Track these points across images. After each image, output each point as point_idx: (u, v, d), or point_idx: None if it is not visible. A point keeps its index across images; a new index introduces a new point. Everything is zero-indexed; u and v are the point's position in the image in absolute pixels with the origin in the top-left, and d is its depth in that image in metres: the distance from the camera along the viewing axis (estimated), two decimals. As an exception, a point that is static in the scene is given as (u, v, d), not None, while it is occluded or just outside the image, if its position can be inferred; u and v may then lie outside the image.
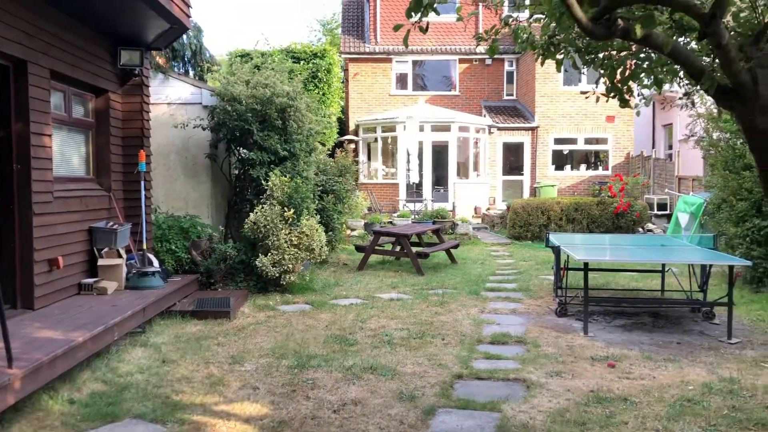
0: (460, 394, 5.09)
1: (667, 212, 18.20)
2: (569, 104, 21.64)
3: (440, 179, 20.84)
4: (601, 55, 4.46)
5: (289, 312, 8.17)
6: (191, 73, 11.27)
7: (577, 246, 8.50)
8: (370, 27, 23.87)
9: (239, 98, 9.19)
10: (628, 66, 4.34)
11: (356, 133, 22.53)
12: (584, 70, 5.37)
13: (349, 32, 24.68)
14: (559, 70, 4.78)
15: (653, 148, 26.29)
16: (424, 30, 3.56)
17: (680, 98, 7.04)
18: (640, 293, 9.39)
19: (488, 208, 20.76)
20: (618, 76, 4.42)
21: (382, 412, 4.71)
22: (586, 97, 4.61)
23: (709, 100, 10.85)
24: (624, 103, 4.57)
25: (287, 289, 9.16)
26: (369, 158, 22.35)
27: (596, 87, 5.00)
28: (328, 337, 6.90)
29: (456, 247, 12.62)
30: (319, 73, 18.80)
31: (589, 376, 5.56)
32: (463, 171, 21.18)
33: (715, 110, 10.92)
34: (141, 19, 7.25)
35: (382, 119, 21.66)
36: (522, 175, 22.07)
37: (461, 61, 23.62)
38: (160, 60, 10.34)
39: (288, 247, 8.90)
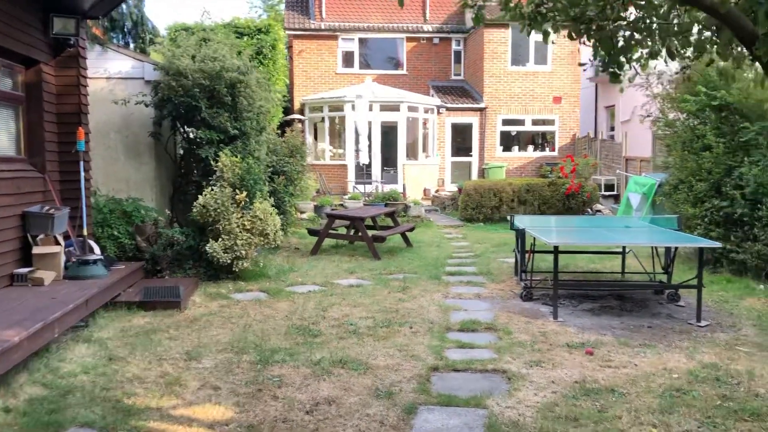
0: (439, 389, 4.77)
1: (614, 193, 18.38)
2: (517, 85, 21.57)
3: (389, 160, 20.48)
4: (593, 26, 4.14)
5: (244, 301, 7.69)
6: (132, 45, 10.51)
7: (542, 228, 8.28)
8: (315, 3, 23.17)
9: (185, 72, 8.56)
10: (621, 37, 4.05)
11: (302, 112, 21.90)
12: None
13: (293, 8, 23.90)
14: (546, 42, 4.46)
15: (596, 129, 26.61)
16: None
17: (677, 72, 6.83)
18: (602, 275, 9.28)
19: (437, 190, 20.56)
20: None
21: (359, 411, 4.34)
22: (584, 70, 4.29)
23: (666, 79, 10.81)
24: (615, 78, 4.29)
25: (240, 276, 8.66)
26: (315, 138, 21.78)
27: (591, 61, 4.67)
28: (290, 327, 6.47)
29: (411, 230, 12.31)
30: (264, 50, 18.05)
31: (570, 365, 5.33)
32: (412, 152, 20.89)
33: (672, 90, 10.89)
34: (77, -18, 6.58)
35: (330, 98, 21.10)
36: (470, 156, 21.93)
37: (408, 39, 23.22)
38: (97, 31, 9.57)
39: (240, 231, 8.39)
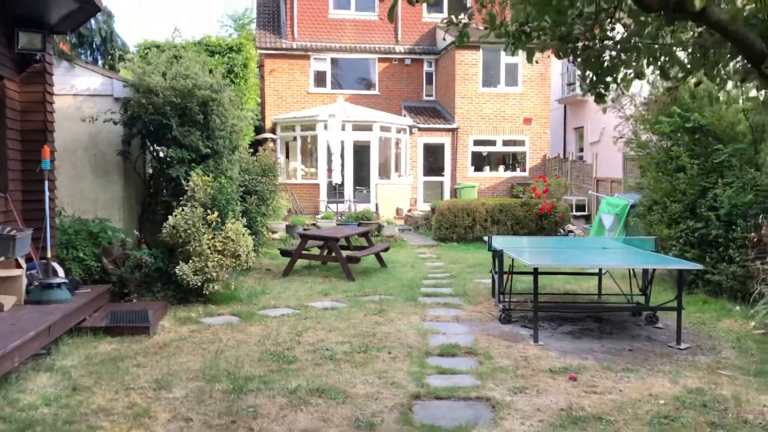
0: (422, 419, 4.59)
1: (585, 213, 18.50)
2: (488, 106, 21.69)
3: (361, 180, 20.35)
4: (580, 45, 4.06)
5: (215, 325, 7.43)
6: (100, 62, 10.23)
7: (520, 249, 8.21)
8: (287, 23, 23.09)
9: (156, 90, 8.34)
10: (608, 57, 3.98)
11: (273, 131, 21.69)
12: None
13: (264, 27, 23.79)
14: (530, 61, 4.37)
15: (564, 150, 26.90)
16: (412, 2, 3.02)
17: (649, 95, 6.81)
18: (579, 297, 9.23)
19: (410, 209, 20.47)
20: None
21: (340, 444, 4.15)
22: (572, 90, 4.20)
23: (640, 101, 10.89)
24: (600, 99, 4.22)
25: (210, 300, 8.40)
26: (287, 157, 21.57)
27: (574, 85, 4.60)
28: (264, 353, 6.24)
29: (386, 250, 12.16)
30: (235, 68, 17.85)
31: (554, 391, 5.20)
32: (384, 171, 20.80)
33: (644, 112, 10.97)
34: (44, -5, 6.35)
35: (302, 117, 20.95)
36: (442, 176, 21.92)
37: (381, 60, 23.23)
38: (64, 46, 9.31)
39: (212, 253, 8.16)
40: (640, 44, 3.78)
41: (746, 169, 8.56)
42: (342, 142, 18.98)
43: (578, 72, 4.37)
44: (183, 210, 8.16)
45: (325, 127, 19.41)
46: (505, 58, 21.62)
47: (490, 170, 22.15)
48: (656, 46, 3.71)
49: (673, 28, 3.73)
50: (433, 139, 21.74)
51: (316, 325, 7.47)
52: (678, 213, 9.33)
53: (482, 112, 21.65)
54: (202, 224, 8.15)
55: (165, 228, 8.13)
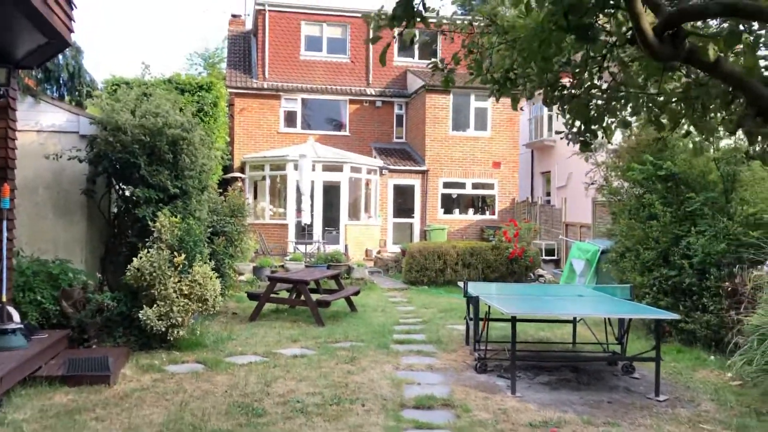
0: (401, 480, 4.35)
1: (555, 257, 18.54)
2: (458, 149, 21.82)
3: (331, 220, 20.17)
4: (566, 93, 3.99)
5: (180, 374, 7.09)
6: (67, 98, 9.95)
7: (495, 296, 8.07)
8: (258, 62, 23.08)
9: (125, 128, 8.10)
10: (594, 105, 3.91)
11: (242, 170, 21.46)
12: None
13: (235, 66, 23.75)
14: (515, 108, 4.29)
15: (532, 194, 27.15)
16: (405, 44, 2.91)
17: (622, 143, 6.80)
18: (553, 345, 9.09)
19: (379, 251, 20.28)
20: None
21: None
22: (561, 138, 4.14)
23: (611, 148, 10.97)
24: (585, 147, 4.14)
25: (175, 346, 8.05)
26: (255, 197, 21.31)
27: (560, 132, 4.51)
28: (231, 405, 5.94)
29: (357, 293, 11.92)
30: (205, 107, 17.66)
31: (537, 448, 5.00)
32: (354, 212, 20.65)
33: (616, 159, 11.04)
34: (11, 29, 6.12)
35: (272, 157, 20.78)
36: (412, 217, 21.86)
37: (351, 101, 23.31)
38: (29, 82, 9.03)
39: (177, 297, 7.84)
40: (628, 93, 3.72)
41: (719, 218, 8.61)
42: (312, 182, 18.82)
43: (562, 119, 4.29)
44: (149, 252, 7.86)
45: (295, 167, 19.26)
46: (474, 102, 21.87)
47: (460, 213, 22.16)
48: (644, 95, 3.65)
49: (658, 78, 3.68)
50: (403, 180, 21.73)
51: (285, 374, 7.18)
52: (651, 260, 9.32)
53: (452, 155, 21.76)
54: (169, 267, 7.85)
55: (129, 270, 7.81)
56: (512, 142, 22.42)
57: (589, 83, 3.76)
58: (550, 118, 25.90)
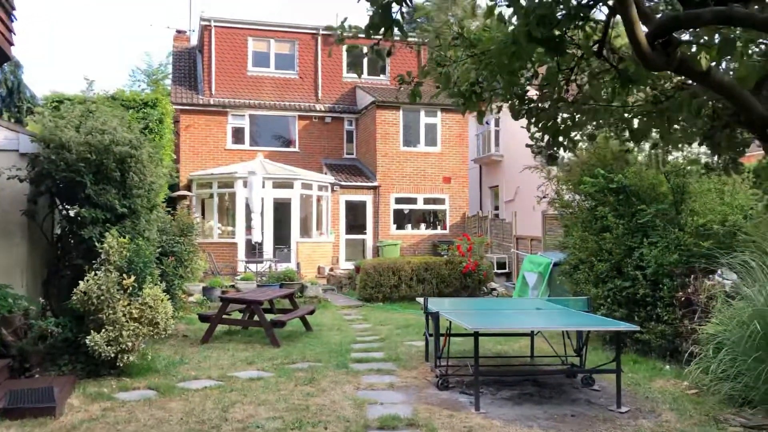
0: (372, 507, 4.19)
1: (506, 270, 18.67)
2: (409, 165, 21.86)
3: (282, 238, 19.87)
4: (533, 106, 3.96)
5: (131, 401, 6.77)
6: (5, 114, 9.51)
7: (454, 311, 8.00)
8: (204, 79, 22.72)
9: (69, 145, 7.75)
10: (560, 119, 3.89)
11: (189, 188, 21.00)
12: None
13: (180, 82, 23.31)
14: (480, 122, 4.23)
15: (480, 208, 27.41)
16: (384, 55, 2.79)
17: (573, 156, 6.84)
18: (512, 359, 9.06)
19: (331, 268, 20.07)
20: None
21: None
22: (533, 151, 4.09)
23: (562, 162, 11.10)
24: (553, 161, 4.12)
25: (124, 372, 7.72)
26: (203, 215, 20.84)
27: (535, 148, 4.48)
28: (188, 434, 5.68)
29: (312, 312, 11.70)
30: (150, 124, 17.23)
31: (507, 467, 4.92)
32: (305, 230, 20.42)
33: (566, 173, 11.18)
34: (-54, 41, 5.79)
35: (219, 174, 20.39)
36: (365, 234, 21.74)
37: (301, 117, 23.13)
38: (-36, 97, 8.60)
39: (127, 321, 7.52)
40: (594, 106, 3.71)
41: (670, 229, 8.77)
42: (262, 200, 18.53)
43: (527, 133, 4.26)
44: (96, 274, 7.51)
45: (245, 184, 18.97)
46: (425, 118, 21.98)
47: (412, 228, 22.17)
48: (610, 108, 3.65)
49: (622, 92, 3.68)
50: (355, 197, 21.62)
51: (242, 398, 6.93)
52: (605, 272, 9.43)
53: (403, 171, 21.78)
54: (117, 290, 7.52)
55: (75, 294, 7.45)
56: (462, 157, 22.61)
57: (556, 96, 3.74)
58: (497, 133, 26.25)
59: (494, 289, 16.42)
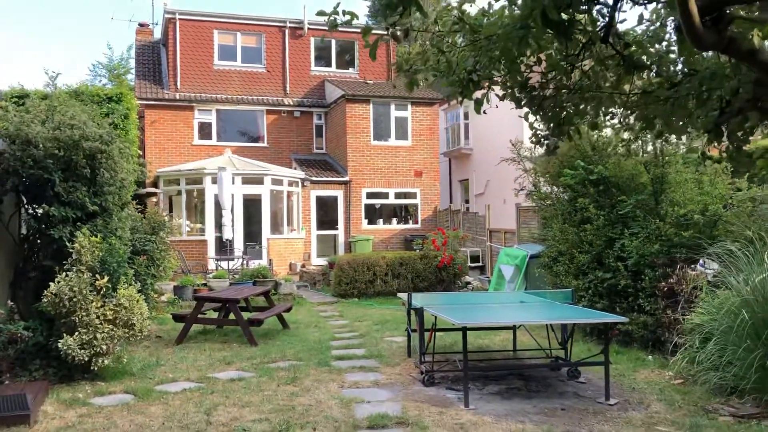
0: None
1: (480, 264, 18.67)
2: (380, 159, 21.71)
3: (252, 235, 19.56)
4: (537, 93, 3.84)
5: (108, 407, 6.51)
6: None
7: (438, 306, 7.88)
8: (169, 73, 22.23)
9: (36, 141, 7.41)
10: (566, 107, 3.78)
11: (155, 185, 20.52)
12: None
13: (144, 77, 22.78)
14: (478, 112, 4.10)
15: (450, 201, 27.43)
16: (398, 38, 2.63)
17: (555, 147, 6.75)
18: (495, 353, 8.98)
19: (303, 264, 19.83)
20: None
21: None
22: (531, 141, 3.98)
23: (538, 154, 11.07)
24: (552, 151, 4.01)
25: (99, 376, 7.44)
26: (171, 212, 20.38)
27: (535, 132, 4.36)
28: (171, 440, 5.46)
29: (289, 310, 11.49)
30: (115, 120, 16.75)
31: (506, 464, 4.82)
32: (276, 226, 20.13)
33: (546, 165, 11.15)
34: None
35: (187, 170, 19.97)
36: (336, 229, 21.53)
37: (269, 112, 22.80)
38: None
39: (101, 323, 7.23)
40: (600, 93, 3.60)
41: (650, 220, 8.78)
42: (232, 196, 18.19)
43: (527, 122, 4.15)
44: (67, 275, 7.21)
45: (213, 180, 18.63)
46: (395, 112, 21.84)
47: (384, 223, 22.03)
48: (617, 94, 3.55)
49: (628, 78, 3.59)
50: (326, 192, 21.39)
51: (225, 400, 6.72)
52: (586, 264, 9.41)
53: (374, 165, 21.62)
54: (90, 291, 7.23)
55: (46, 296, 7.13)
56: (433, 151, 22.54)
57: (560, 83, 3.62)
58: (466, 126, 26.27)
59: (469, 283, 16.40)
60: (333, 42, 24.10)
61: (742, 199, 8.37)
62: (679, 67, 3.72)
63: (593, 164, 9.37)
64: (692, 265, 8.15)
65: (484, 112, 4.14)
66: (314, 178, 21.05)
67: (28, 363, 7.23)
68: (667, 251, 8.46)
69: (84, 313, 7.14)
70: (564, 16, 3.12)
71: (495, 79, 3.97)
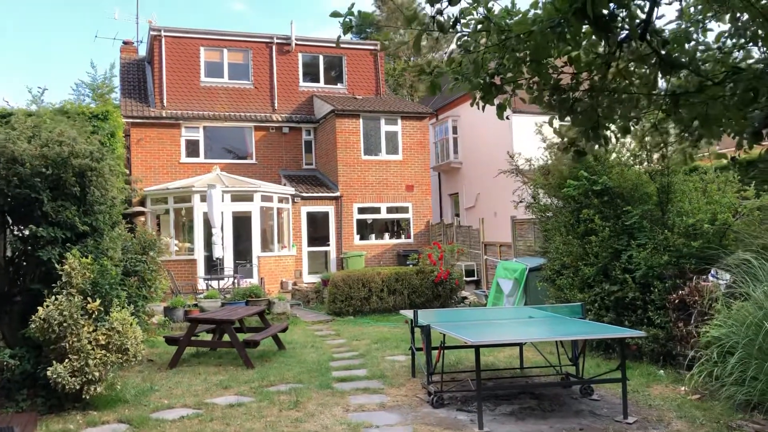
0: None
1: (475, 278, 18.43)
2: (371, 173, 21.48)
3: (242, 253, 19.19)
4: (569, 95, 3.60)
5: (102, 438, 6.15)
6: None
7: (445, 324, 7.60)
8: (155, 91, 21.92)
9: (22, 159, 7.07)
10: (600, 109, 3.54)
11: (142, 204, 20.12)
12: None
13: (130, 95, 22.44)
14: (500, 117, 3.86)
15: (441, 215, 27.24)
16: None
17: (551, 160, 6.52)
18: (502, 372, 8.70)
19: (295, 282, 19.46)
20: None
21: None
22: (558, 148, 3.74)
23: (539, 165, 10.88)
24: (581, 155, 3.77)
25: (90, 404, 7.08)
26: (159, 232, 19.97)
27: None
28: (172, 473, 5.12)
29: (285, 330, 11.15)
30: (101, 138, 16.39)
31: (533, 493, 4.53)
32: (266, 243, 19.78)
33: (541, 177, 10.96)
34: None
35: (175, 188, 19.60)
36: (328, 245, 21.19)
37: (257, 128, 22.51)
38: None
39: (93, 349, 6.88)
40: (637, 94, 3.37)
41: (657, 230, 8.58)
42: (222, 214, 17.84)
43: (551, 126, 3.90)
44: (57, 299, 6.85)
45: (202, 198, 18.28)
46: (385, 126, 21.65)
47: (376, 238, 21.74)
48: (655, 96, 3.32)
49: (668, 78, 3.37)
50: (317, 208, 21.09)
51: (226, 427, 6.39)
52: (591, 276, 9.17)
53: (365, 180, 21.37)
54: (82, 315, 6.88)
55: (34, 321, 6.77)
56: (424, 164, 22.35)
57: (595, 84, 3.39)
58: (455, 140, 26.14)
59: (465, 298, 16.12)
60: (321, 57, 23.94)
61: (751, 207, 8.19)
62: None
63: (596, 174, 9.17)
64: (703, 276, 7.93)
65: (507, 118, 3.88)
66: (305, 194, 20.75)
67: (15, 393, 6.87)
68: (676, 262, 8.25)
69: (75, 339, 6.79)
70: (604, 11, 2.89)
71: (519, 82, 3.73)
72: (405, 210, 22.03)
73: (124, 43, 25.37)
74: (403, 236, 22.02)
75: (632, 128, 3.63)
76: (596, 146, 3.53)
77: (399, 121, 21.77)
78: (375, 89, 24.27)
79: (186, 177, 20.91)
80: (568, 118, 3.59)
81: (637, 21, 3.18)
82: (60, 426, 6.48)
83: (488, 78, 3.74)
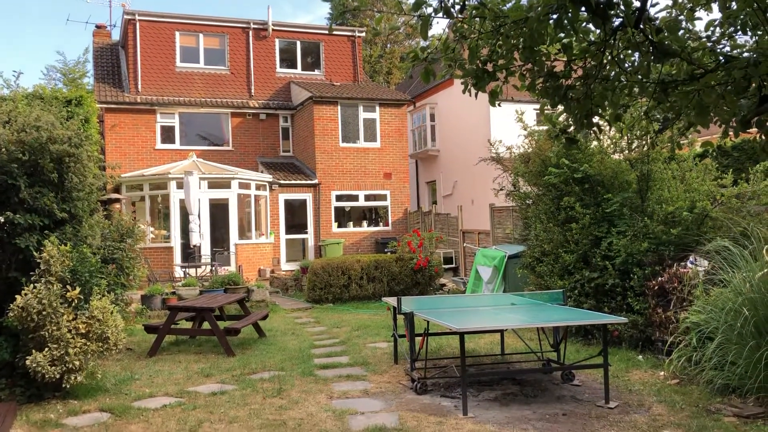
0: None
1: (453, 265, 18.50)
2: (349, 161, 21.41)
3: (219, 241, 19.05)
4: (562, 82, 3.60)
5: (84, 427, 6.09)
6: None
7: (428, 312, 7.62)
8: (130, 76, 21.56)
9: (-1, 144, 6.93)
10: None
11: (117, 191, 19.83)
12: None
13: (103, 80, 22.05)
14: (492, 104, 3.85)
15: (418, 203, 27.31)
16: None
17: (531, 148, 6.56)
18: (483, 357, 8.76)
19: (273, 270, 19.38)
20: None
21: None
22: (550, 136, 3.74)
23: (519, 152, 10.92)
24: (572, 143, 3.78)
25: (71, 393, 6.98)
26: (135, 219, 19.68)
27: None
28: (158, 462, 5.08)
29: (265, 317, 11.09)
30: (77, 123, 16.09)
31: (520, 477, 4.57)
32: (244, 231, 19.64)
33: (522, 164, 11.01)
34: None
35: (151, 175, 19.34)
36: (305, 233, 21.12)
37: (234, 115, 22.28)
38: None
39: (73, 337, 6.78)
40: (630, 81, 3.39)
41: (637, 218, 8.68)
42: (199, 201, 17.65)
43: (542, 114, 3.91)
44: (35, 287, 6.73)
45: (179, 185, 18.07)
46: (363, 113, 21.57)
47: (354, 225, 21.71)
48: (649, 83, 3.34)
49: (661, 66, 3.38)
50: (295, 195, 20.98)
51: (209, 416, 6.34)
52: (572, 263, 9.26)
53: (343, 167, 21.30)
54: (61, 303, 6.77)
55: (12, 310, 6.64)
56: (402, 152, 22.32)
57: (588, 72, 3.40)
58: (433, 128, 26.17)
59: (444, 285, 16.20)
60: (298, 43, 23.74)
61: (729, 195, 8.32)
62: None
63: (577, 162, 9.23)
64: (682, 263, 8.05)
65: (499, 105, 3.89)
66: (282, 182, 20.62)
67: (-7, 383, 6.74)
68: (656, 249, 8.36)
69: (54, 327, 6.67)
70: (601, -2, 2.89)
71: (512, 69, 3.73)
72: (383, 198, 22.01)
73: (97, 27, 24.88)
74: (381, 224, 22.03)
75: (623, 116, 3.65)
76: (590, 134, 3.54)
77: (377, 108, 21.70)
78: (353, 76, 24.14)
79: (161, 164, 20.65)
80: (560, 106, 3.61)
81: (633, 8, 3.19)
82: (40, 416, 6.38)
83: (480, 65, 3.73)
